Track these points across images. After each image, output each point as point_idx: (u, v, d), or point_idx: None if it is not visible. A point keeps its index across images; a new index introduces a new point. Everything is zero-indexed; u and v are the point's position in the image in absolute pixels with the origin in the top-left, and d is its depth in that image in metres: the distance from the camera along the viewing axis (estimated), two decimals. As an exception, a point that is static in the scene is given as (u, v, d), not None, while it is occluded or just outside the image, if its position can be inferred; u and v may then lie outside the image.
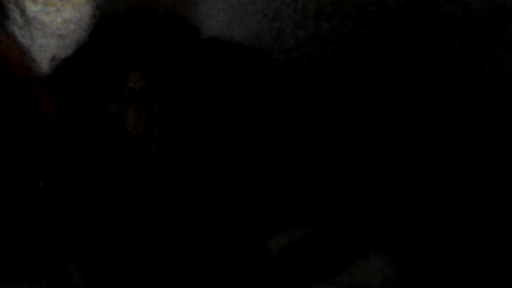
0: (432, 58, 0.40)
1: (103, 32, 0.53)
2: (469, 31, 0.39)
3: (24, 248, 0.47)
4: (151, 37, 0.54)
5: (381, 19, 0.41)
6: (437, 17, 0.39)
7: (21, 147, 0.49)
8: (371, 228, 0.47)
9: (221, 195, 0.51)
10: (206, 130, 0.52)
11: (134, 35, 0.54)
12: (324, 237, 0.47)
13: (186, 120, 0.52)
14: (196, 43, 0.52)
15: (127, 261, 0.50)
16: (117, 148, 0.52)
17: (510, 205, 0.42)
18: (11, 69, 0.50)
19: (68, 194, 0.51)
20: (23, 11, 0.49)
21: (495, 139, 0.41)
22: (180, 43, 0.53)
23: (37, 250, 0.47)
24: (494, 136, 0.41)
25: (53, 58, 0.52)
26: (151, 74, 0.53)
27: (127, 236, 0.51)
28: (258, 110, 0.50)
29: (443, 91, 0.41)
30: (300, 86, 0.47)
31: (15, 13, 0.49)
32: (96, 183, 0.52)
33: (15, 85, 0.49)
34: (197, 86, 0.52)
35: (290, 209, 0.49)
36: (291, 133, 0.49)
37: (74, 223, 0.50)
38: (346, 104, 0.46)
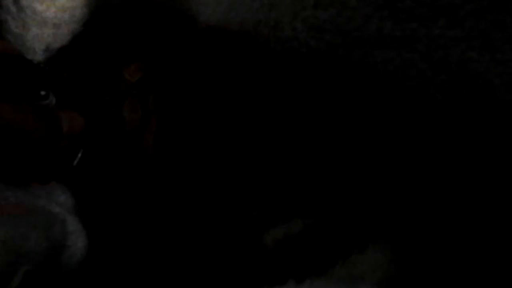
0: (431, 47, 0.40)
1: (98, 22, 0.53)
2: (469, 21, 0.38)
3: None
4: (147, 28, 0.54)
5: (380, 9, 0.41)
6: (437, 6, 0.39)
7: None
8: (369, 220, 0.46)
9: (217, 187, 0.51)
10: (202, 122, 0.51)
11: (130, 26, 0.54)
12: (321, 229, 0.47)
13: (182, 111, 0.52)
14: (193, 33, 0.52)
15: (120, 253, 0.50)
16: (114, 141, 0.52)
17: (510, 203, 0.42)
18: None
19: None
20: (16, 0, 0.49)
21: (493, 133, 0.41)
22: (177, 34, 0.53)
23: None
24: (493, 130, 0.41)
25: (47, 48, 0.51)
26: (147, 66, 0.53)
27: (122, 228, 0.51)
28: (254, 101, 0.50)
29: (442, 83, 0.41)
30: (297, 77, 0.47)
31: (7, 2, 0.49)
32: (92, 177, 0.52)
33: None
34: (193, 77, 0.52)
35: (287, 201, 0.49)
36: (288, 124, 0.49)
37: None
38: (344, 96, 0.46)
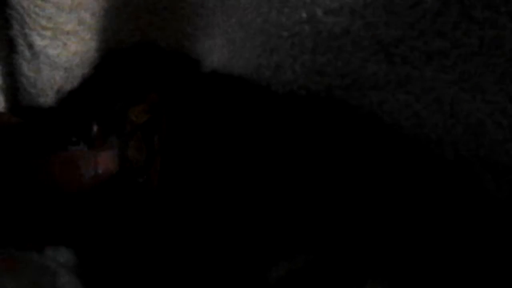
0: (425, 89, 0.41)
1: (107, 65, 0.55)
2: (459, 65, 0.40)
3: None
4: (153, 71, 0.55)
5: (375, 54, 0.43)
6: (428, 51, 0.41)
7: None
8: (368, 256, 0.47)
9: (220, 226, 0.51)
10: (207, 162, 0.52)
11: (137, 69, 0.55)
12: (323, 265, 0.47)
13: (187, 152, 0.53)
14: (198, 77, 0.53)
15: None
16: (119, 181, 0.53)
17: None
18: None
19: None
20: (30, 45, 0.50)
21: (487, 171, 0.42)
22: (182, 77, 0.54)
23: None
24: (486, 167, 0.42)
25: (58, 90, 0.53)
26: (153, 108, 0.54)
27: (124, 271, 0.51)
28: (258, 142, 0.50)
29: (436, 123, 0.42)
30: (298, 118, 0.48)
31: (23, 47, 0.51)
32: (96, 214, 0.52)
33: None
34: (197, 118, 0.53)
35: (289, 239, 0.49)
36: (290, 164, 0.50)
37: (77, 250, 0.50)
38: (344, 136, 0.47)
